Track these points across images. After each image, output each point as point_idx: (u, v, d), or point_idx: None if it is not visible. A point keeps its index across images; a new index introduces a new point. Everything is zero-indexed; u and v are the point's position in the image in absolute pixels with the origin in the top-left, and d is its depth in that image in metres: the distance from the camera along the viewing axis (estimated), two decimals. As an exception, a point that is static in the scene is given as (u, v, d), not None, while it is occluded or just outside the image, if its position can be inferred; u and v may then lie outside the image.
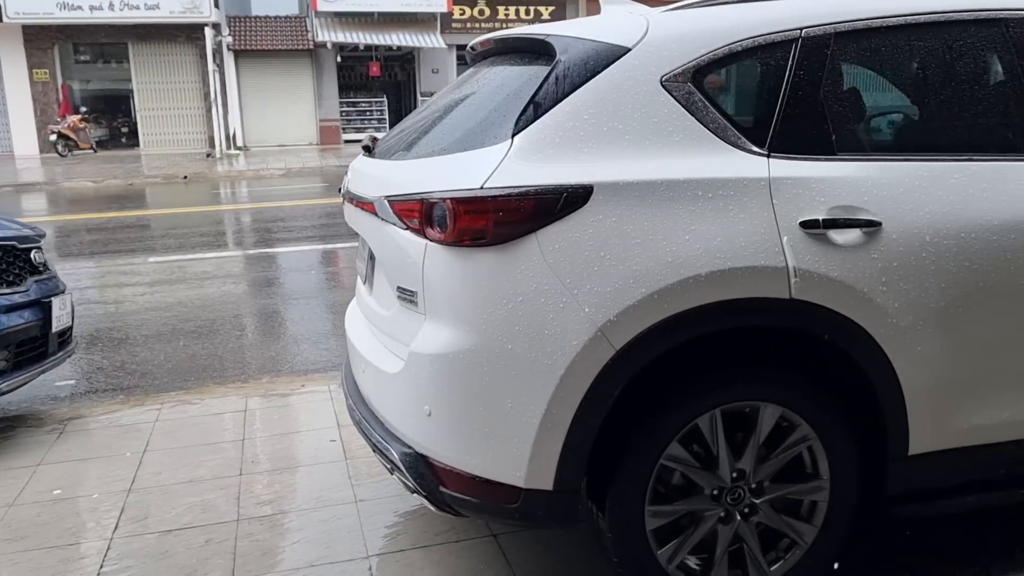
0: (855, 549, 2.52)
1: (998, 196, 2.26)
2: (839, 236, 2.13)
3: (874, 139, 2.51)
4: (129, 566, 2.69)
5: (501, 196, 2.02)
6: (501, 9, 26.12)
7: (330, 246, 9.22)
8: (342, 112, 25.97)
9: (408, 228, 2.19)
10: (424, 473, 2.22)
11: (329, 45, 24.43)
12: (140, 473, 3.38)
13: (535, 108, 2.12)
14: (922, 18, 2.33)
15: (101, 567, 2.69)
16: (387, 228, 2.29)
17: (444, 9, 24.70)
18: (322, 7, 23.70)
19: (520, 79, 2.31)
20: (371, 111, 26.48)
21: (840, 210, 2.14)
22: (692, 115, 2.15)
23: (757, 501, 2.24)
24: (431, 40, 24.74)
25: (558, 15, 26.38)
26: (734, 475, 2.21)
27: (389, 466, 2.38)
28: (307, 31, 25.22)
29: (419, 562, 2.67)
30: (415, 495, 2.35)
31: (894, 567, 2.56)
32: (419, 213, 2.13)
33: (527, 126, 2.10)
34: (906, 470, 2.29)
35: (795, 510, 2.29)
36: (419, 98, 26.17)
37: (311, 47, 24.93)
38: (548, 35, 2.30)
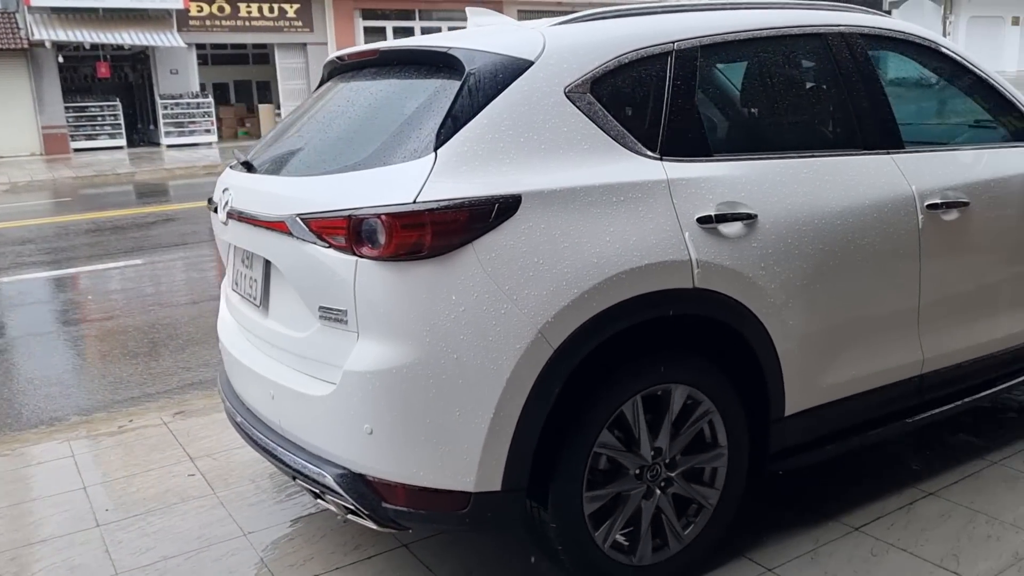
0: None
1: (837, 186, 2.63)
2: (726, 229, 2.38)
3: (740, 140, 2.81)
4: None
5: (437, 209, 2.05)
6: (243, 6, 24.97)
7: (88, 268, 8.40)
8: (69, 118, 23.54)
9: (331, 246, 2.14)
10: (364, 492, 2.19)
11: (48, 44, 22.04)
12: (-28, 542, 2.97)
13: (453, 121, 2.16)
14: (766, 31, 2.66)
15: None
16: (304, 247, 2.21)
17: (180, 5, 23.17)
18: (36, 2, 21.33)
19: (426, 91, 2.34)
20: (103, 116, 24.27)
21: (725, 205, 2.39)
22: (595, 124, 2.30)
23: (672, 474, 2.45)
24: (167, 39, 23.13)
25: (304, 13, 25.74)
26: (652, 453, 2.40)
27: (318, 490, 2.32)
28: (19, 28, 22.57)
29: (336, 585, 2.61)
30: (349, 516, 2.31)
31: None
32: (345, 230, 2.10)
33: (448, 139, 2.14)
34: (784, 429, 2.61)
35: (700, 477, 2.53)
36: (159, 100, 24.39)
37: (25, 46, 22.33)
38: (451, 47, 2.34)
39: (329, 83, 2.95)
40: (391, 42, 2.68)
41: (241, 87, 29.29)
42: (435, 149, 2.13)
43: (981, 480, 3.04)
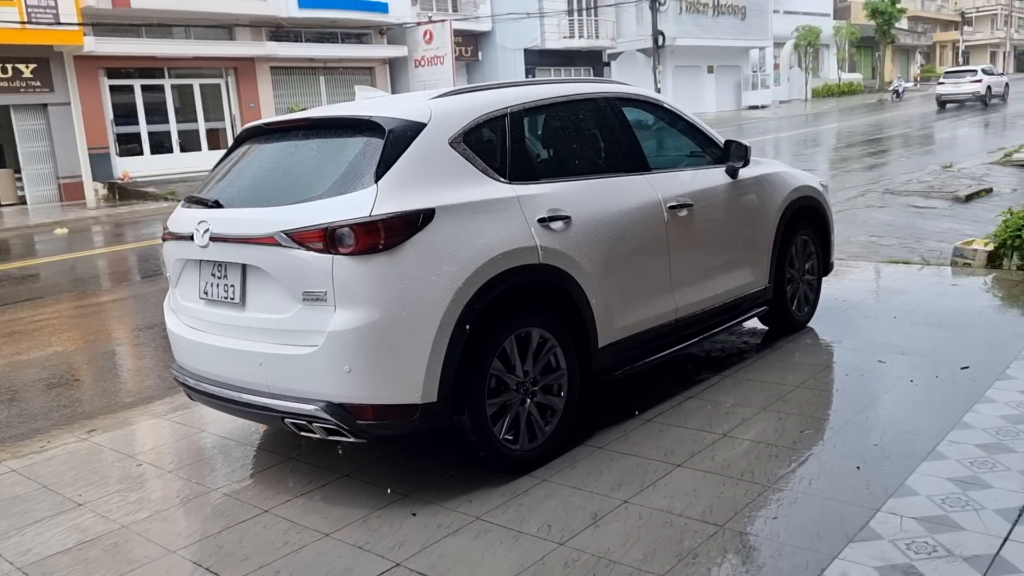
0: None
1: (616, 197, 4.08)
2: (554, 225, 3.71)
3: (554, 169, 4.16)
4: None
5: (386, 219, 3.19)
6: (-30, 66, 23.46)
7: None
8: None
9: (311, 250, 3.20)
10: (343, 415, 3.25)
11: None
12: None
13: (384, 163, 3.32)
14: (562, 98, 4.08)
15: None
16: (289, 253, 3.24)
17: None
18: None
19: (356, 145, 3.46)
20: None
21: (552, 211, 3.73)
22: (469, 162, 3.55)
23: (535, 388, 3.71)
24: None
25: (42, 73, 24.63)
26: (523, 374, 3.64)
27: (305, 422, 3.32)
28: None
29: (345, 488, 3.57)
30: (331, 437, 3.34)
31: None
32: (323, 238, 3.17)
33: (383, 175, 3.30)
34: (598, 357, 3.97)
35: (552, 391, 3.80)
36: None
37: None
38: (372, 115, 3.49)
39: (250, 142, 3.95)
40: (324, 110, 3.77)
41: (-36, 151, 27.20)
42: (376, 182, 3.27)
43: (719, 386, 4.60)
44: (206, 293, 3.71)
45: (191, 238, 3.63)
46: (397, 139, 3.39)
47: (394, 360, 3.22)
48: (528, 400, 3.68)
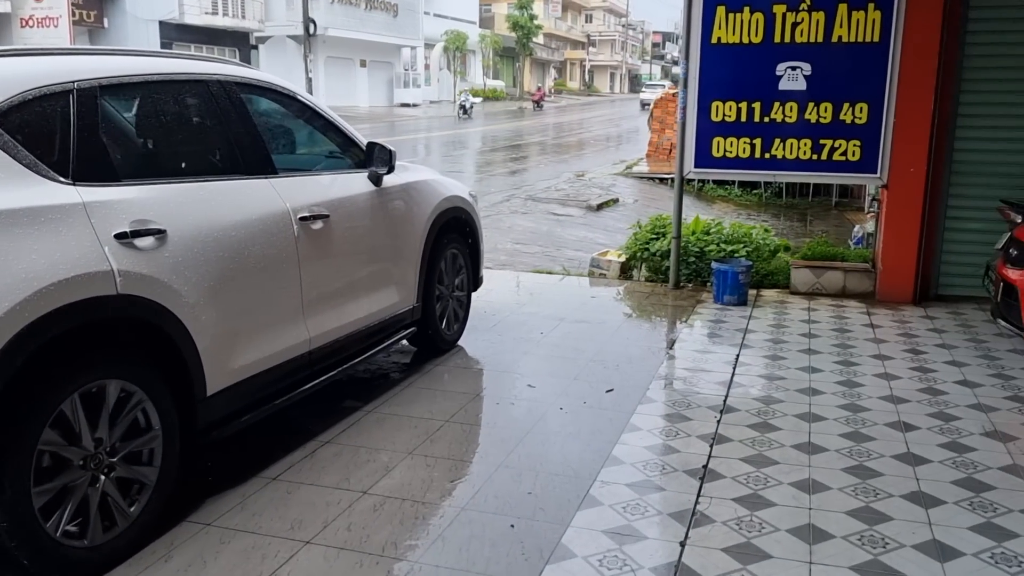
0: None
1: (229, 205, 3.26)
2: (141, 243, 2.82)
3: (145, 167, 3.20)
4: None
5: None
6: None
7: None
8: None
9: None
10: None
11: None
12: None
13: None
14: (158, 76, 3.16)
15: None
16: None
17: None
18: None
19: None
20: None
21: (137, 223, 2.82)
22: (7, 154, 2.52)
23: (114, 460, 2.77)
24: None
25: None
26: (94, 444, 2.70)
27: None
28: None
29: None
30: None
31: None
32: None
33: None
34: (207, 407, 3.14)
35: (140, 459, 2.89)
36: None
37: None
38: None
39: None
40: None
41: None
42: None
43: (361, 425, 3.99)
44: None
45: None
46: None
47: None
48: (103, 477, 2.74)
